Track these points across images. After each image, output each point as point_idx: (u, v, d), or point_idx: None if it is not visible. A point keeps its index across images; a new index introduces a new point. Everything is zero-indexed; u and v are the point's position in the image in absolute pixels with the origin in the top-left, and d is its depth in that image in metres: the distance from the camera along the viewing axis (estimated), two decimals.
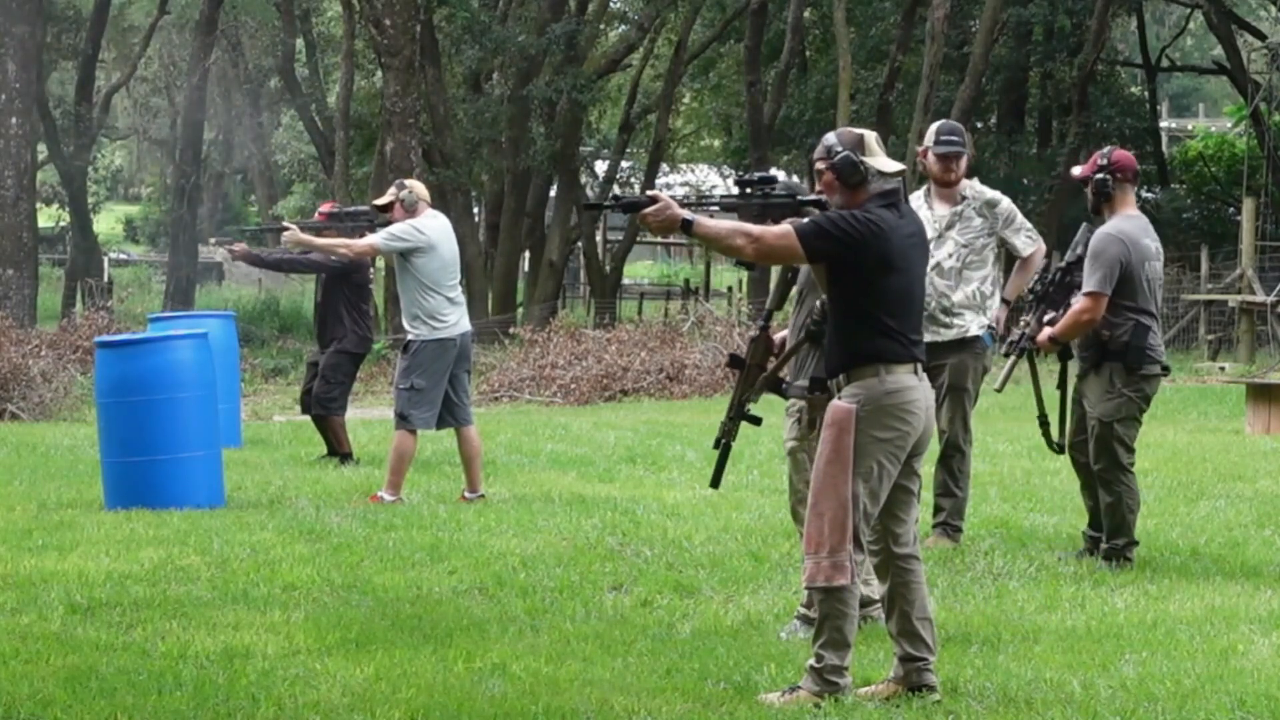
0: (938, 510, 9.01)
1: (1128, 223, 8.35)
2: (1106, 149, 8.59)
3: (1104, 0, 31.76)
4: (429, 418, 10.45)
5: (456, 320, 10.50)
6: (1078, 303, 8.32)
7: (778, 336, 6.85)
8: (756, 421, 6.62)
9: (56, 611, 7.28)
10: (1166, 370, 8.54)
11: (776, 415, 7.26)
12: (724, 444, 6.66)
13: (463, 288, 10.79)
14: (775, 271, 7.27)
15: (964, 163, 8.95)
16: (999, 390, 8.96)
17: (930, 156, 8.90)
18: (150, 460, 10.33)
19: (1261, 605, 7.49)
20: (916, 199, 8.89)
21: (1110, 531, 8.40)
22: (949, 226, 8.89)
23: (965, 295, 8.88)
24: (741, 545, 8.83)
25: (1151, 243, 8.38)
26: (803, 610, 6.91)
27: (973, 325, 8.89)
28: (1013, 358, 8.61)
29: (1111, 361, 8.32)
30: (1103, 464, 8.39)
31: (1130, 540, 8.37)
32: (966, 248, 8.90)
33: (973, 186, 9.02)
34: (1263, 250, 28.88)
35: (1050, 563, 8.44)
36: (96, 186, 51.48)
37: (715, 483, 6.83)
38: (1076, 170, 8.61)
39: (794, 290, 7.12)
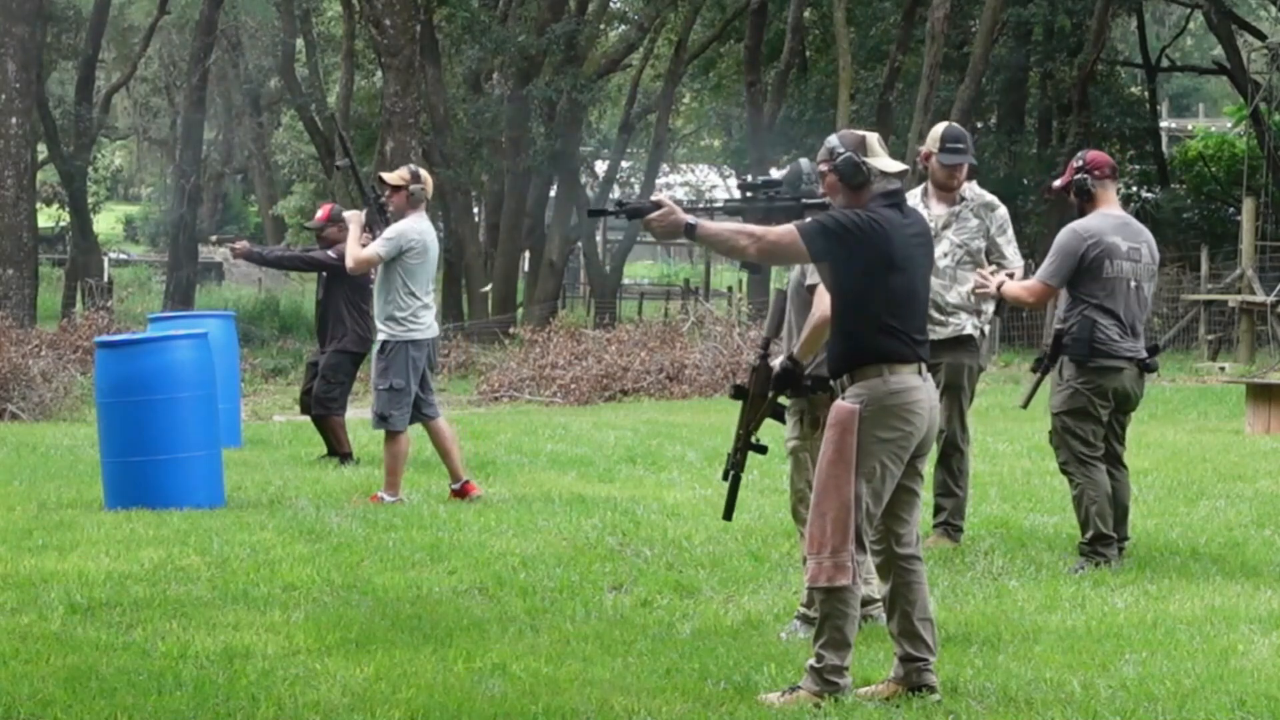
0: (938, 510, 9.02)
1: (1099, 220, 8.47)
2: (1080, 152, 8.73)
3: (1104, 0, 31.75)
4: (406, 416, 10.54)
5: (429, 323, 10.64)
6: (1031, 280, 8.60)
7: (775, 363, 6.82)
8: (762, 451, 6.67)
9: (56, 611, 7.27)
10: (1149, 367, 8.54)
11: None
12: (734, 475, 6.68)
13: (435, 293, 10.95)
14: (773, 291, 7.29)
15: (966, 169, 8.99)
16: (1024, 407, 9.16)
17: (934, 162, 8.92)
18: (150, 460, 10.33)
19: (1261, 605, 7.49)
20: (913, 198, 8.93)
21: (1080, 526, 8.47)
22: (945, 226, 8.93)
23: (960, 295, 8.92)
24: (741, 545, 8.83)
25: (1123, 241, 8.43)
26: (803, 610, 6.92)
27: (968, 324, 8.94)
28: (1037, 375, 8.72)
29: (1063, 354, 8.46)
30: (1061, 457, 8.51)
31: (1100, 535, 8.35)
32: (962, 248, 8.94)
33: (971, 188, 9.07)
34: (1263, 250, 28.86)
35: (1050, 562, 8.45)
36: (96, 186, 51.44)
37: (728, 515, 6.84)
38: (1056, 183, 8.71)
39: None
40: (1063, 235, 8.49)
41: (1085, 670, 6.29)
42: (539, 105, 34.31)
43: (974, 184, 9.14)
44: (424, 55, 31.13)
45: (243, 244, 13.09)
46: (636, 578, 8.04)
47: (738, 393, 6.72)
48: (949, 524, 9.01)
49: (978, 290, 8.69)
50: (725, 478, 6.71)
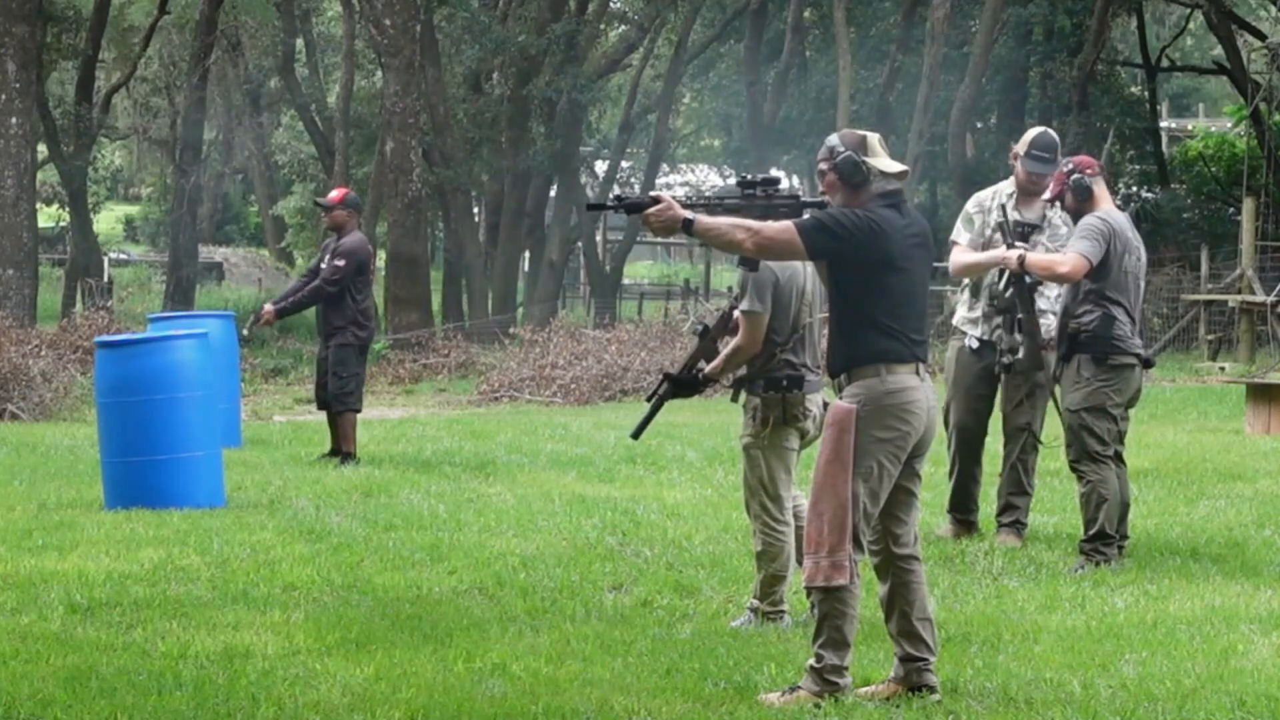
0: (1011, 509, 9.12)
1: (1114, 214, 8.47)
2: (1064, 159, 8.73)
3: (1104, 0, 31.75)
4: None
5: None
6: (1063, 256, 8.36)
7: (738, 313, 7.01)
8: (692, 392, 7.13)
9: (56, 611, 7.28)
10: (1148, 364, 8.61)
11: None
12: (656, 400, 7.08)
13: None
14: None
15: (1050, 179, 8.97)
16: None
17: (1019, 165, 9.04)
18: (150, 460, 10.33)
19: (1261, 605, 7.50)
20: (999, 197, 9.03)
21: (1086, 524, 8.48)
22: (1040, 232, 9.00)
23: (1049, 300, 9.03)
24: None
25: (1133, 237, 8.48)
26: (755, 603, 7.07)
27: (1054, 326, 9.06)
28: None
29: (1080, 352, 8.46)
30: (1073, 454, 8.51)
31: (1104, 535, 8.37)
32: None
33: None
34: (1263, 250, 28.84)
35: (1050, 562, 8.45)
36: (96, 186, 51.32)
37: (635, 434, 7.30)
38: (1047, 194, 8.69)
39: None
40: (1091, 219, 8.40)
41: (1085, 670, 6.30)
42: (539, 105, 34.30)
43: None
44: (424, 55, 31.09)
45: (267, 310, 13.03)
46: (636, 578, 8.04)
47: (704, 331, 7.19)
48: (1020, 522, 9.11)
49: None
50: (649, 399, 7.15)
